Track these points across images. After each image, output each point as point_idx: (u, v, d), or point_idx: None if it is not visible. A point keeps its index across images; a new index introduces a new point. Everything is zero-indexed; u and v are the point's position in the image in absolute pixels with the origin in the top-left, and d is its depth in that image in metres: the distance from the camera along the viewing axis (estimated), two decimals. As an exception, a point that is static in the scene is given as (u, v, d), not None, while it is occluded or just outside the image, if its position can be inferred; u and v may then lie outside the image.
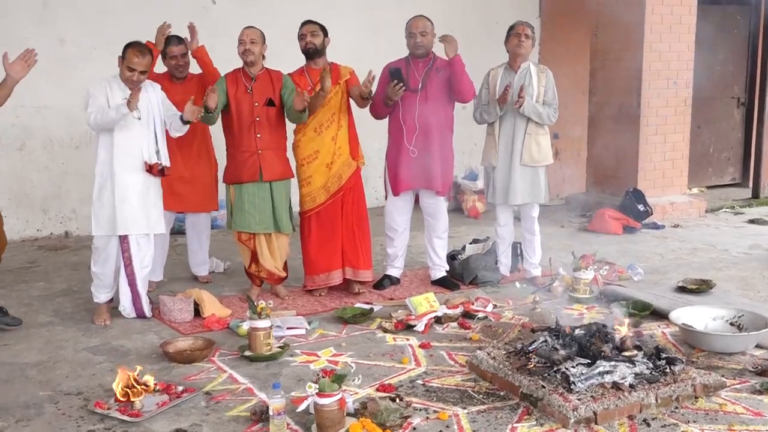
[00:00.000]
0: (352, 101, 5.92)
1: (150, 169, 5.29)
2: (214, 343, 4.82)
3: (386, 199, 6.26)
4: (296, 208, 6.02)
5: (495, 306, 5.69)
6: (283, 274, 5.94)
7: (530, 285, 6.28)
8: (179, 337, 4.99)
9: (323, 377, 3.73)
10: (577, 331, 4.31)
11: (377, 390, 4.16)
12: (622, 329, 4.33)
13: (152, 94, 5.32)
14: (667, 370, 4.08)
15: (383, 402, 3.77)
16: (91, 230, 5.32)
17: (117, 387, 3.96)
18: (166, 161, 5.37)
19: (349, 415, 3.75)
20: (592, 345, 4.15)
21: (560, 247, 7.41)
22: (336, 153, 5.83)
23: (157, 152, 5.33)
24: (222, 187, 6.07)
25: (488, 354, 4.40)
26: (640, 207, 8.70)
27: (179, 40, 6.07)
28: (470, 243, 6.85)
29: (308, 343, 4.99)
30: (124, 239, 5.32)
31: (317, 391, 3.65)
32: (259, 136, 5.60)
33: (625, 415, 3.78)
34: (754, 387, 4.17)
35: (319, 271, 5.96)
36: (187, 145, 6.07)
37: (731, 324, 4.99)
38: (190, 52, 6.09)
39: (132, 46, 5.15)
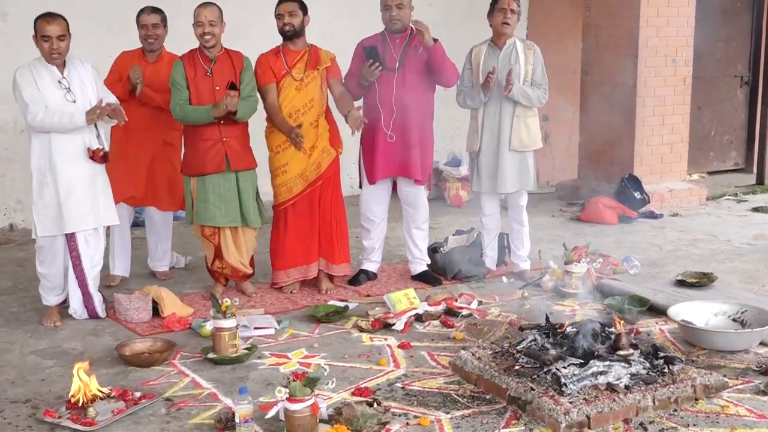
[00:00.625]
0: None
1: (92, 155, 5.21)
2: (175, 344, 4.80)
3: (361, 187, 6.26)
4: (267, 199, 6.01)
5: (480, 302, 5.71)
6: (249, 271, 5.92)
7: (518, 279, 6.31)
8: (136, 338, 4.97)
9: (294, 381, 3.73)
10: (568, 329, 4.33)
11: (353, 394, 4.16)
12: (618, 327, 4.36)
13: (83, 72, 5.24)
14: (666, 370, 4.11)
15: (359, 407, 3.78)
16: (34, 233, 5.23)
17: (80, 391, 3.95)
18: (107, 145, 5.32)
19: (322, 421, 3.75)
20: (584, 344, 4.18)
21: (550, 239, 7.45)
22: (317, 140, 5.83)
23: (98, 136, 5.26)
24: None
25: (473, 354, 4.42)
26: (637, 195, 8.75)
27: (153, 9, 6.05)
28: (453, 234, 6.86)
29: (278, 344, 4.98)
30: (71, 237, 5.25)
31: (287, 396, 3.64)
32: (222, 122, 5.57)
33: (620, 419, 3.81)
34: (758, 387, 4.21)
35: (296, 263, 5.96)
36: (146, 133, 6.05)
37: (734, 320, 5.04)
38: (165, 25, 6.08)
39: (39, 17, 5.10)
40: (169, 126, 6.09)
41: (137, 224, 7.44)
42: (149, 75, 5.97)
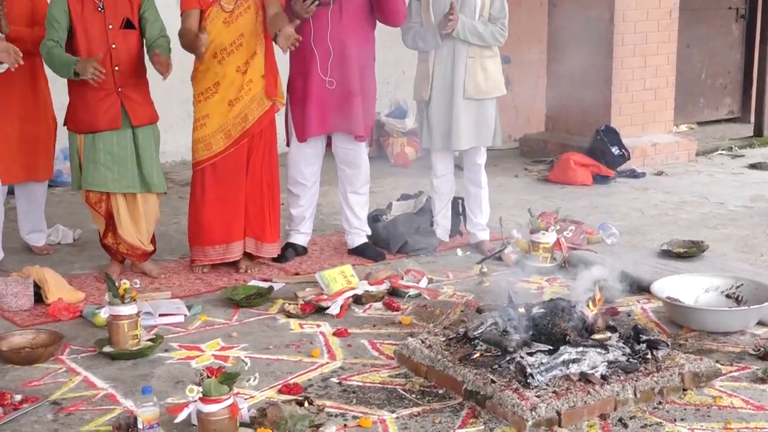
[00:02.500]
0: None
1: None
2: (63, 337, 4.76)
3: (288, 145, 6.25)
4: (185, 157, 5.97)
5: (431, 280, 5.75)
6: (149, 248, 5.88)
7: (475, 252, 6.37)
8: (15, 330, 4.91)
9: (208, 378, 3.72)
10: (535, 310, 4.39)
11: (280, 392, 4.17)
12: (592, 306, 4.42)
13: None
14: (649, 357, 4.19)
15: (288, 407, 3.79)
16: None
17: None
18: None
19: (243, 425, 3.75)
20: (554, 327, 4.23)
21: (513, 203, 7.51)
22: (244, 88, 5.76)
23: None
24: (63, 135, 5.94)
25: (422, 342, 4.46)
26: (614, 150, 8.85)
27: None
28: (398, 200, 6.88)
29: (188, 334, 4.97)
30: None
31: (201, 395, 3.64)
32: (117, 68, 5.49)
33: (596, 414, 3.88)
34: (756, 374, 4.30)
35: (214, 241, 5.92)
36: (8, 89, 5.92)
37: (728, 296, 5.14)
38: None
39: None
40: (36, 81, 6.00)
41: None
42: (10, 3, 5.80)
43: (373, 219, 6.56)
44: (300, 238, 6.37)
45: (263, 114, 5.84)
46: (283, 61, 6.04)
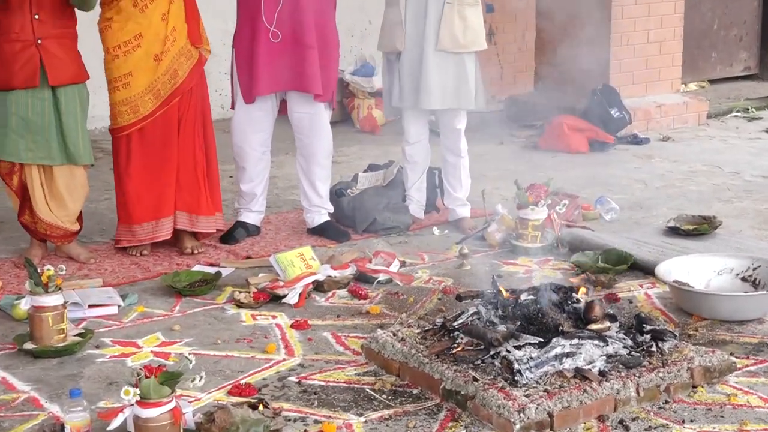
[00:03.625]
0: None
1: None
2: (-24, 332, 4.75)
3: (234, 108, 6.25)
4: (103, 124, 5.94)
5: (403, 263, 5.77)
6: (75, 228, 5.86)
7: (455, 231, 6.39)
8: None
9: (147, 378, 3.71)
10: (523, 297, 4.40)
11: (230, 393, 4.17)
12: (589, 292, 4.44)
13: None
14: (653, 349, 4.22)
15: (239, 411, 3.79)
16: None
17: None
18: None
19: (187, 431, 3.77)
20: (544, 316, 4.25)
21: (498, 175, 7.52)
22: (168, 38, 5.74)
23: None
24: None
25: (394, 335, 4.46)
26: (614, 112, 8.88)
27: None
28: (365, 171, 6.88)
29: (123, 328, 4.96)
30: None
31: (138, 398, 3.63)
32: (37, 17, 5.46)
33: (593, 416, 3.90)
34: (775, 368, 4.37)
35: (142, 218, 5.91)
36: None
37: (744, 279, 5.18)
38: None
39: None
40: None
41: None
42: None
43: (336, 194, 6.56)
44: (252, 217, 6.36)
45: (193, 67, 5.84)
46: (230, 6, 6.00)
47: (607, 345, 4.15)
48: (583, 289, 4.51)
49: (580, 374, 4.00)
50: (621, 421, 3.88)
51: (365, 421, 3.92)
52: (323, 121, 6.23)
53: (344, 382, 4.29)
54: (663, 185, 7.50)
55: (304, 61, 5.99)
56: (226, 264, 5.81)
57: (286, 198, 7.14)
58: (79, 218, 5.90)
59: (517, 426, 3.73)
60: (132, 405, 3.67)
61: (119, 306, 5.17)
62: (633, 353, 4.17)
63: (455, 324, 4.36)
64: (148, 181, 5.88)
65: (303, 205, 6.43)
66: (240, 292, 5.31)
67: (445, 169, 6.51)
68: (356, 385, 4.25)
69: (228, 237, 6.20)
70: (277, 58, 5.96)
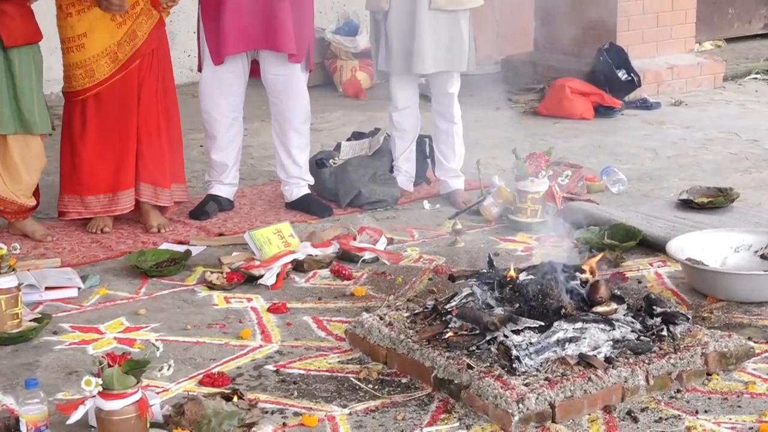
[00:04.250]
0: None
1: None
2: None
3: (201, 70, 6.24)
4: (59, 88, 5.92)
5: (391, 241, 5.77)
6: (30, 203, 5.86)
7: (447, 205, 6.40)
8: None
9: (110, 367, 3.71)
10: (522, 277, 4.41)
11: (201, 383, 4.18)
12: (594, 271, 4.45)
13: None
14: (664, 333, 4.23)
15: (211, 403, 3.79)
16: None
17: None
18: None
19: (154, 426, 3.75)
20: (546, 298, 4.26)
21: (495, 143, 7.51)
22: None
23: None
24: None
25: (381, 319, 4.47)
26: (621, 74, 8.88)
27: None
28: (348, 139, 6.87)
29: (83, 312, 4.95)
30: None
31: (100, 389, 3.63)
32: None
33: (598, 406, 3.91)
34: (797, 354, 4.38)
35: (97, 190, 5.91)
36: None
37: (763, 257, 5.19)
38: None
39: None
40: None
41: None
42: None
43: (317, 164, 6.56)
44: (224, 190, 6.36)
45: (153, 28, 5.84)
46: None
47: (614, 329, 4.16)
48: (592, 262, 4.51)
49: (585, 361, 4.01)
50: (629, 412, 3.89)
51: (349, 413, 3.93)
52: (299, 84, 6.22)
53: (326, 371, 4.29)
54: (675, 154, 7.51)
55: (275, 16, 5.98)
56: (196, 242, 5.81)
57: (261, 169, 7.13)
58: (36, 192, 5.89)
59: (516, 418, 3.74)
60: (94, 397, 3.66)
61: (79, 288, 5.17)
62: (642, 338, 4.18)
63: (448, 307, 4.37)
64: (104, 150, 5.87)
65: (280, 177, 6.43)
66: (212, 272, 5.31)
67: (436, 137, 6.51)
68: (339, 374, 4.26)
69: (198, 212, 6.20)
70: (247, 13, 5.95)
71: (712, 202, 6.12)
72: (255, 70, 6.25)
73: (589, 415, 3.88)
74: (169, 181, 6.00)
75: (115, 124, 5.87)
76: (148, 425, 3.70)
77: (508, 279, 4.39)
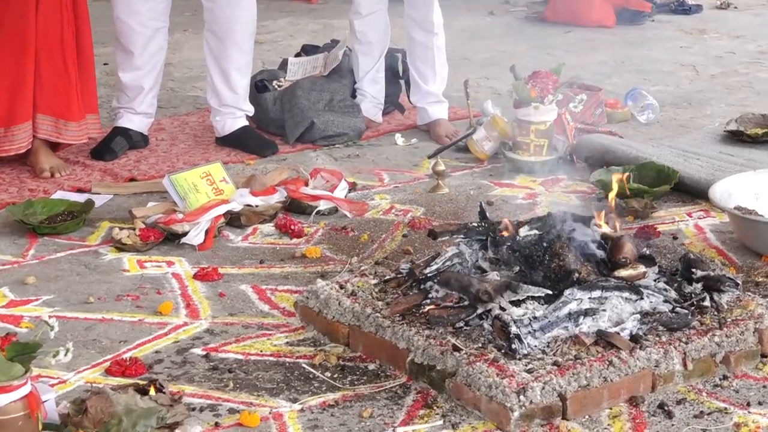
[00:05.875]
0: None
1: None
2: None
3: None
4: None
5: (353, 186, 5.79)
6: None
7: (426, 139, 6.43)
8: None
9: (-9, 352, 3.72)
10: (522, 232, 4.42)
11: (108, 372, 4.17)
12: (615, 224, 4.46)
13: None
14: (706, 303, 4.25)
15: (122, 397, 3.79)
16: None
17: None
18: None
19: (48, 427, 3.74)
20: (554, 259, 4.27)
21: (487, 59, 7.52)
22: None
23: None
24: None
25: (341, 287, 4.48)
26: (651, -31, 8.91)
27: None
28: (297, 55, 6.86)
29: (-46, 282, 4.97)
30: None
31: (-23, 381, 3.64)
32: None
33: (622, 398, 3.92)
34: None
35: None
36: None
37: (833, 205, 5.23)
38: None
39: None
40: None
41: None
42: None
43: (258, 88, 6.57)
44: (136, 121, 6.38)
45: None
46: None
47: (642, 298, 4.17)
48: (614, 210, 4.54)
49: (604, 340, 4.02)
50: (661, 405, 3.90)
51: (301, 410, 3.92)
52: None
53: (271, 355, 4.29)
54: (720, 72, 7.53)
55: None
56: (100, 189, 5.81)
57: (185, 94, 7.12)
58: None
59: (516, 413, 3.74)
60: (-29, 390, 3.67)
61: (-54, 250, 5.18)
62: (678, 310, 4.19)
63: (428, 271, 4.38)
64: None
65: (210, 105, 6.43)
66: (121, 229, 5.29)
67: (411, 52, 6.51)
68: (288, 359, 4.26)
69: (103, 150, 6.21)
70: None
71: (766, 135, 6.13)
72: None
73: (611, 409, 3.89)
74: (79, 112, 5.98)
75: (6, 43, 5.87)
76: (41, 426, 3.69)
77: (506, 235, 4.40)
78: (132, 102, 6.31)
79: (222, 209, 5.36)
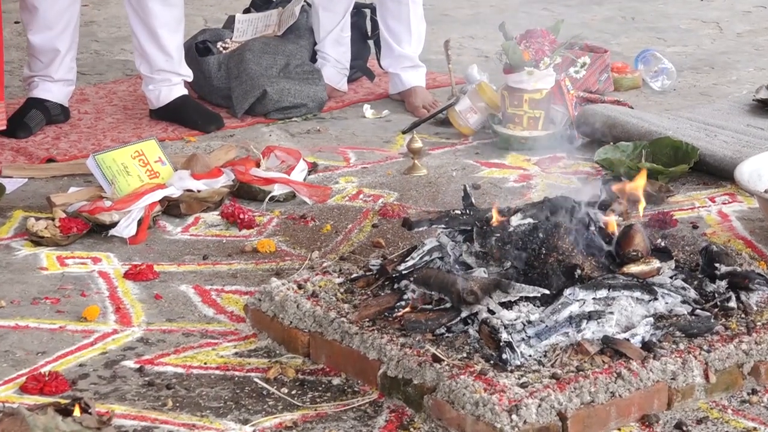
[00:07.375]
0: None
1: None
2: None
3: None
4: None
5: (314, 168, 5.82)
6: None
7: (400, 111, 6.47)
8: None
9: None
10: (515, 221, 4.45)
11: (23, 390, 4.18)
12: (625, 212, 4.49)
13: None
14: (732, 305, 4.28)
15: (40, 419, 3.81)
16: None
17: None
18: None
19: (-47, 456, 3.79)
20: (552, 253, 4.31)
21: (471, 16, 7.54)
22: None
23: None
24: None
25: (300, 287, 4.51)
26: None
27: None
28: (246, 11, 6.88)
29: None
30: None
31: None
32: None
33: (633, 416, 3.96)
34: None
35: None
36: None
37: None
38: None
39: None
40: None
41: None
42: None
43: (199, 51, 6.58)
44: (54, 91, 6.40)
45: None
46: None
47: (656, 299, 4.21)
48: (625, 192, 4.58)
49: (612, 348, 4.05)
50: (679, 425, 3.94)
51: (253, 432, 3.99)
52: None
53: (217, 368, 4.32)
54: (748, 30, 7.57)
55: None
56: (12, 172, 5.83)
57: (112, 58, 7.14)
58: None
59: (508, 436, 3.81)
60: None
61: None
62: (699, 312, 4.23)
63: (402, 268, 4.41)
64: None
65: (141, 72, 6.45)
66: (37, 219, 5.31)
67: (382, 7, 6.54)
68: (237, 373, 4.29)
69: (15, 125, 6.22)
70: None
71: (801, 105, 6.19)
72: None
73: (619, 430, 3.92)
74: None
75: None
76: (-56, 454, 3.73)
77: (494, 224, 4.43)
78: (47, 68, 6.32)
79: (158, 195, 5.38)
